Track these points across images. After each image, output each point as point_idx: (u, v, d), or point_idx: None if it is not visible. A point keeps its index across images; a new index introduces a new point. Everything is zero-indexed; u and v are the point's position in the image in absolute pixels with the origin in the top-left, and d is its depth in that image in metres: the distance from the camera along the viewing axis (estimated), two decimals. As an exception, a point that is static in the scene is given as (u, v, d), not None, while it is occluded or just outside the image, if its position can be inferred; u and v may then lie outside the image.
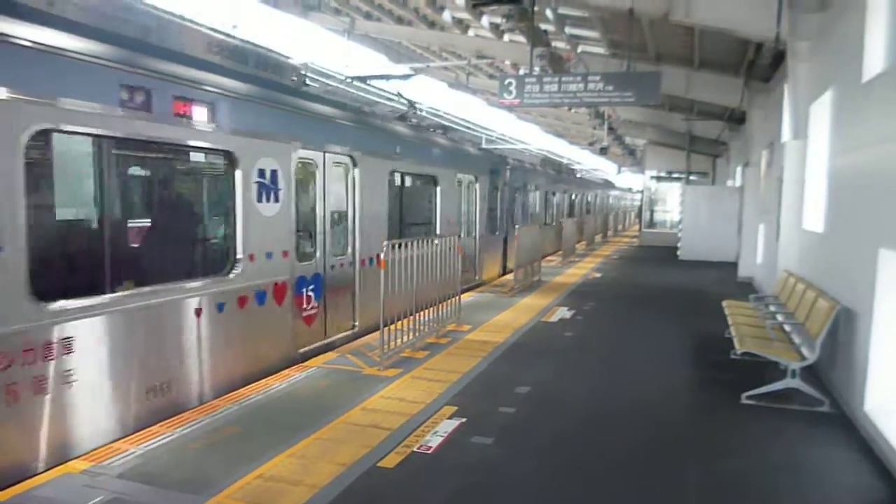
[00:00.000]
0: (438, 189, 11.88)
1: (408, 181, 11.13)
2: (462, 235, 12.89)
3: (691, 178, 26.19)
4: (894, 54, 5.52)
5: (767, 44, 9.91)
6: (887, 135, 5.41)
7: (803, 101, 9.02)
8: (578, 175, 35.74)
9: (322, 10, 14.27)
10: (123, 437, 5.05)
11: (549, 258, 20.50)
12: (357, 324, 8.80)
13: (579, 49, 15.33)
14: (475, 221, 14.12)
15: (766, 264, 12.55)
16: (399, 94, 12.58)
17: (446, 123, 21.23)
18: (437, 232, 11.56)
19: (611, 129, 23.65)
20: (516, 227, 17.02)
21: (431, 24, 16.28)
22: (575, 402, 6.36)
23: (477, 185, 14.04)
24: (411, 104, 12.31)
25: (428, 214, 11.96)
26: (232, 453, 4.82)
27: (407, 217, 11.01)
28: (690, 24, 10.16)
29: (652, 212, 28.45)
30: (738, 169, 19.92)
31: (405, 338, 7.84)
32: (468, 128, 28.48)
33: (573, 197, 28.94)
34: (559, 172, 26.74)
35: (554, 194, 24.06)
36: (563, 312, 11.04)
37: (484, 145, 24.07)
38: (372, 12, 15.58)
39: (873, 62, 6.03)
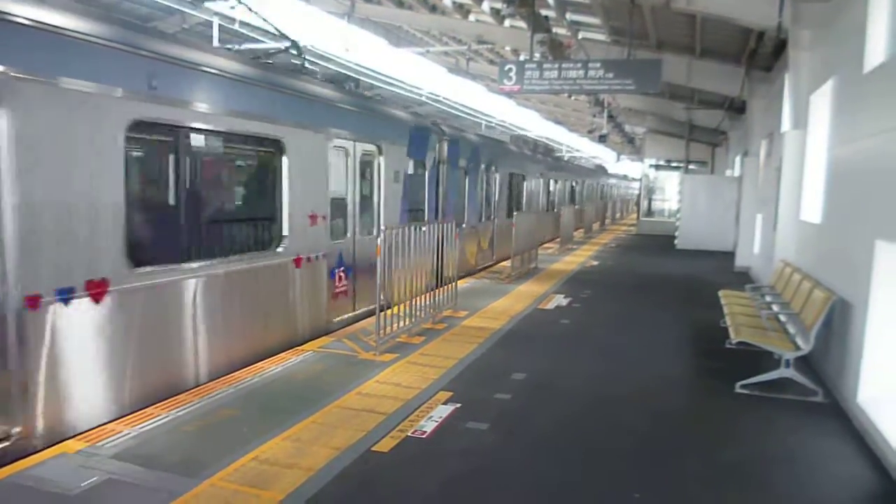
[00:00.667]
0: (285, 162, 7.29)
1: (201, 145, 6.41)
2: (349, 236, 8.80)
3: (690, 167, 26.16)
4: (896, 45, 5.50)
5: (769, 32, 9.86)
6: (887, 126, 5.39)
7: (804, 91, 8.99)
8: (561, 157, 32.96)
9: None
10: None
11: (546, 245, 20.48)
12: (18, 430, 4.48)
13: (580, 36, 15.24)
14: (376, 215, 9.63)
15: (763, 254, 12.56)
16: (280, 33, 8.97)
17: (347, 72, 15.15)
18: (285, 233, 7.32)
19: (610, 116, 23.57)
20: (468, 220, 13.82)
21: (432, 9, 16.16)
22: (570, 390, 6.38)
23: (381, 160, 9.60)
24: (295, 45, 8.78)
25: (264, 203, 7.42)
26: (226, 436, 4.83)
27: (196, 206, 6.37)
28: (692, 11, 10.11)
29: (650, 200, 28.44)
30: (737, 158, 19.90)
31: (401, 323, 7.84)
32: (468, 114, 28.34)
33: (553, 184, 24.58)
34: (534, 153, 22.44)
35: (524, 178, 19.60)
36: (560, 300, 11.04)
37: (482, 131, 23.63)
38: (372, -5, 15.46)
39: (875, 53, 6.00)
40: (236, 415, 5.26)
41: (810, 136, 8.87)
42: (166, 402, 5.42)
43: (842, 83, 7.31)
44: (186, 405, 5.38)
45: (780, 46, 10.54)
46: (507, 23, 15.49)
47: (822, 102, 8.28)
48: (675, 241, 20.97)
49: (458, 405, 5.66)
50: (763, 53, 12.68)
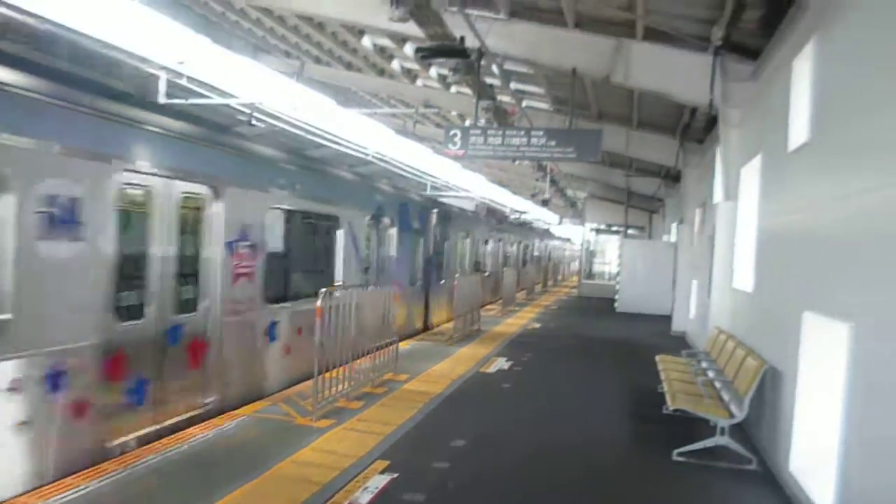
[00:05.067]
0: None
1: None
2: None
3: (629, 231, 26.93)
4: (817, 127, 5.80)
5: (701, 109, 10.34)
6: (810, 203, 5.66)
7: (734, 165, 9.40)
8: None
9: (272, 53, 14.27)
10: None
11: (488, 306, 20.54)
12: None
13: (524, 104, 15.68)
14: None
15: (699, 319, 12.86)
16: None
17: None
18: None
19: (553, 181, 24.10)
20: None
21: (381, 72, 16.45)
22: (510, 458, 6.30)
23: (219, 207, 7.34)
24: None
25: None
26: (150, 509, 4.57)
27: None
28: (630, 86, 10.53)
29: (591, 263, 29.03)
30: (674, 225, 20.55)
31: (340, 387, 7.66)
32: (414, 174, 28.52)
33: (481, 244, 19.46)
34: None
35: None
36: (502, 363, 11.02)
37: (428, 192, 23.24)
38: (322, 57, 15.65)
39: (798, 132, 6.32)
40: (161, 485, 4.99)
41: (741, 207, 9.23)
42: (88, 471, 5.12)
43: (769, 159, 7.66)
44: (109, 475, 5.08)
45: (712, 121, 11.04)
46: (453, 89, 15.85)
47: (751, 176, 8.64)
48: (615, 305, 21.33)
49: (395, 475, 5.52)
50: (696, 127, 13.28)
